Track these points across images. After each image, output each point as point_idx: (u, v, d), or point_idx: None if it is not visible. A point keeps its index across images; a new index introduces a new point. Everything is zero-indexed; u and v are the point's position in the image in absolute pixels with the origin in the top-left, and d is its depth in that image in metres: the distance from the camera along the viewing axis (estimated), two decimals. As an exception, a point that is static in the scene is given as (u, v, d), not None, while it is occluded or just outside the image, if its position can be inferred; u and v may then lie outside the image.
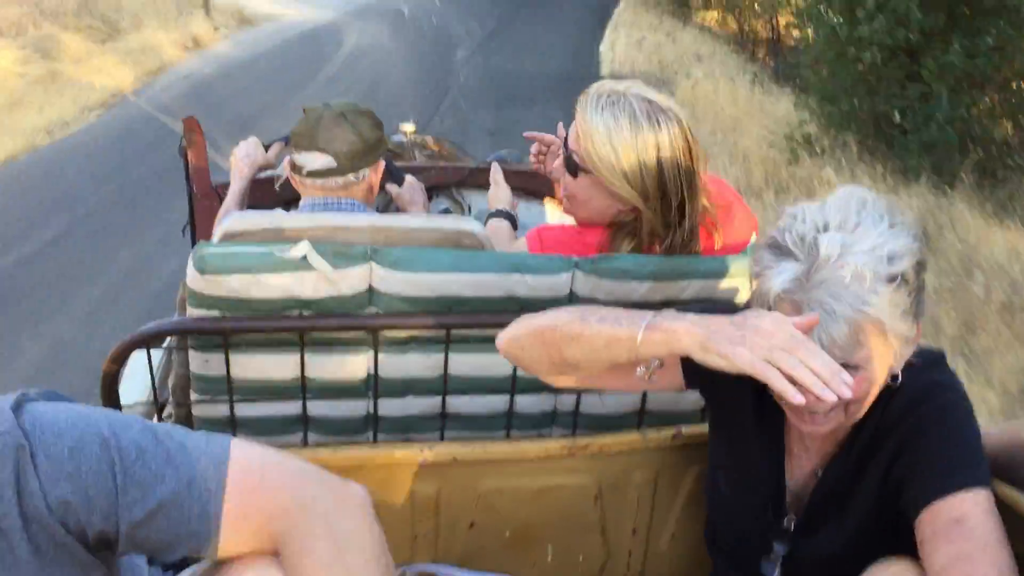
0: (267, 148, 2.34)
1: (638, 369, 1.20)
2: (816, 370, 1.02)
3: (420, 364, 1.66)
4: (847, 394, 1.02)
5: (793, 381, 1.02)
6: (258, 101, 9.35)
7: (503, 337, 1.37)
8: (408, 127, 3.71)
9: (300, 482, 1.03)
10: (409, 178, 2.32)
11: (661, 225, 1.64)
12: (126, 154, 7.50)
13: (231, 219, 1.63)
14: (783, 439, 1.36)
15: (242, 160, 2.28)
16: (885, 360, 1.17)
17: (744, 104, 8.83)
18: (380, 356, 1.62)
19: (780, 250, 1.15)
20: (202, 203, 2.37)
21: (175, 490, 0.95)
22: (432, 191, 2.65)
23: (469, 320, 1.60)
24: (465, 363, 1.67)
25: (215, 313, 1.53)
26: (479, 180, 2.65)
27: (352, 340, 1.61)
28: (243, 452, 1.02)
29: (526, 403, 1.71)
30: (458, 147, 3.66)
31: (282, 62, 11.81)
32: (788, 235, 1.15)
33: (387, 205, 2.40)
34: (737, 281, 1.61)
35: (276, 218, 1.64)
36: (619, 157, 1.59)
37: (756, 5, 12.14)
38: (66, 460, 0.91)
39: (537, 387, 1.70)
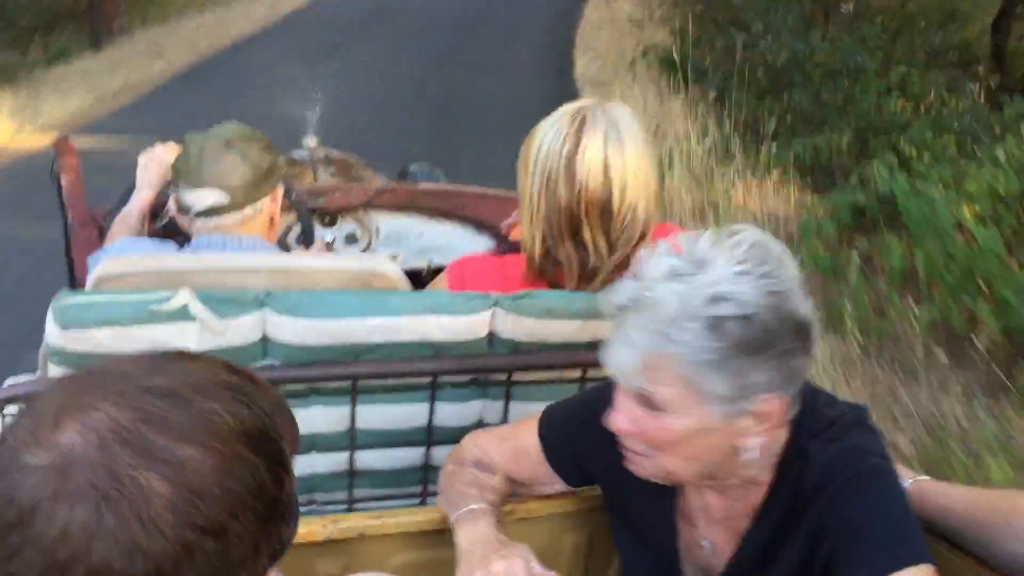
0: None
1: None
2: None
3: (324, 418, 1.48)
4: None
5: None
6: None
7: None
8: (311, 141, 3.50)
9: None
10: (318, 245, 2.12)
11: (573, 250, 1.50)
12: None
13: (106, 261, 1.42)
14: (673, 509, 1.24)
15: (154, 163, 1.97)
16: (700, 420, 1.03)
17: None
18: None
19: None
20: (80, 233, 2.11)
21: None
22: (337, 214, 2.46)
23: (380, 369, 1.43)
24: (375, 415, 1.50)
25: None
26: (388, 201, 2.48)
27: None
28: None
29: (444, 456, 1.55)
30: (365, 161, 3.48)
31: None
32: (665, 257, 1.06)
33: (286, 234, 2.20)
34: None
35: (159, 260, 1.44)
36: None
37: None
38: None
39: (456, 438, 1.55)
